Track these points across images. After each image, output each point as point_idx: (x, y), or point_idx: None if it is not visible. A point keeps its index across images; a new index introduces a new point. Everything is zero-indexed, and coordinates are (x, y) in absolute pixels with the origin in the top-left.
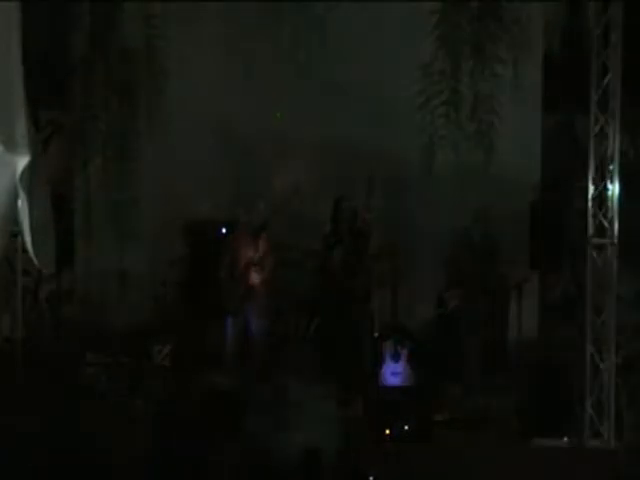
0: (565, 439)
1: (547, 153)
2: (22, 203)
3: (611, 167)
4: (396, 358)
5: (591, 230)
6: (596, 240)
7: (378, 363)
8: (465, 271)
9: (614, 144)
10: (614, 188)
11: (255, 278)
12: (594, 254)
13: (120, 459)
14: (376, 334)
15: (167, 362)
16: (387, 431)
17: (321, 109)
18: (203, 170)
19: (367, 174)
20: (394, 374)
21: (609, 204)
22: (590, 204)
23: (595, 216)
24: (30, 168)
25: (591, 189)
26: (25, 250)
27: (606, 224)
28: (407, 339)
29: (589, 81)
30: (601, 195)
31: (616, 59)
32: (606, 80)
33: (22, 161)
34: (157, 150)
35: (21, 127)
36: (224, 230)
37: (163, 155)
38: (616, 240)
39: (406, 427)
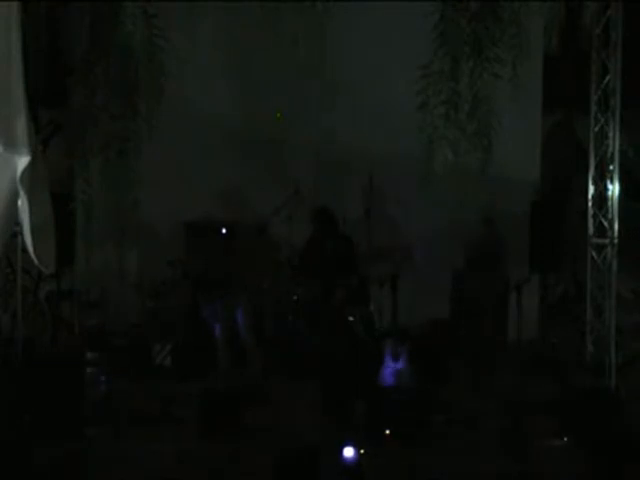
0: (565, 439)
1: (547, 153)
2: (22, 203)
3: (611, 167)
4: (396, 358)
5: (591, 230)
6: (596, 240)
7: (378, 363)
8: (465, 270)
9: (614, 144)
10: (614, 188)
11: (255, 278)
12: (594, 254)
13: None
14: (376, 334)
15: (167, 362)
16: (387, 431)
17: (321, 109)
18: (203, 170)
19: (366, 175)
20: (394, 374)
21: (609, 204)
22: (590, 204)
23: (595, 216)
24: (30, 168)
25: (591, 189)
26: (25, 250)
27: (606, 224)
28: (407, 339)
29: (589, 81)
30: (601, 195)
31: (616, 59)
32: (606, 80)
33: (22, 161)
34: (157, 150)
35: (21, 127)
36: (224, 230)
37: (163, 155)
38: (616, 240)
39: (406, 427)
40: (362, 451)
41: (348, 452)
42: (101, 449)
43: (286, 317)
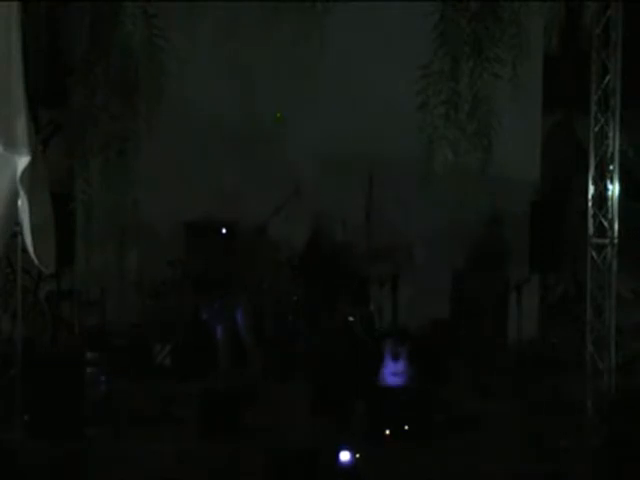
0: (565, 439)
1: (547, 153)
2: (22, 203)
3: (611, 167)
4: (396, 358)
5: (591, 230)
6: (596, 240)
7: (378, 363)
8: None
9: (614, 144)
10: (614, 188)
11: (255, 278)
12: (594, 254)
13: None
14: (376, 334)
15: (167, 362)
16: (387, 431)
17: (321, 109)
18: (203, 170)
19: (366, 175)
20: (394, 374)
21: (609, 204)
22: (590, 204)
23: (595, 216)
24: (30, 168)
25: (591, 189)
26: (25, 250)
27: (606, 224)
28: (407, 339)
29: (589, 81)
30: (601, 195)
31: (616, 59)
32: (606, 80)
33: (22, 161)
34: (157, 150)
35: (21, 127)
36: (224, 230)
37: (163, 155)
38: (616, 240)
39: (406, 427)
40: (357, 455)
41: (346, 453)
42: (101, 449)
43: (286, 317)
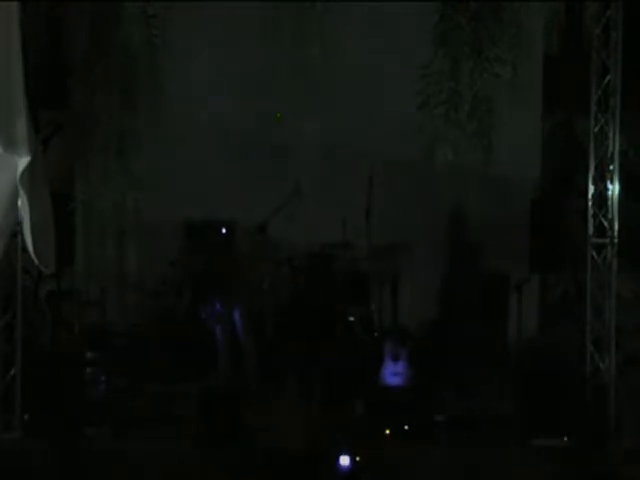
0: (565, 439)
1: (547, 153)
2: (22, 203)
3: (611, 167)
4: (396, 358)
5: (591, 230)
6: (596, 240)
7: (378, 363)
8: (465, 271)
9: (614, 144)
10: (614, 188)
11: (255, 278)
12: (594, 254)
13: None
14: (376, 334)
15: (167, 362)
16: (387, 431)
17: (321, 109)
18: (203, 170)
19: (366, 175)
20: (394, 374)
21: (609, 204)
22: (590, 204)
23: (595, 216)
24: (30, 168)
25: (591, 189)
26: (25, 249)
27: (606, 224)
28: (407, 339)
29: (589, 81)
30: (601, 195)
31: (616, 59)
32: (606, 80)
33: (22, 161)
34: (157, 150)
35: (21, 127)
36: (224, 230)
37: (163, 155)
38: (616, 240)
39: (406, 427)
40: (357, 458)
41: (346, 454)
42: (101, 449)
43: (285, 317)
